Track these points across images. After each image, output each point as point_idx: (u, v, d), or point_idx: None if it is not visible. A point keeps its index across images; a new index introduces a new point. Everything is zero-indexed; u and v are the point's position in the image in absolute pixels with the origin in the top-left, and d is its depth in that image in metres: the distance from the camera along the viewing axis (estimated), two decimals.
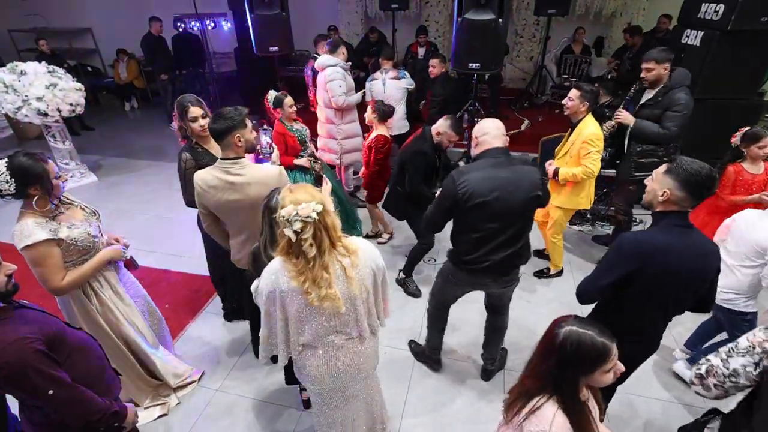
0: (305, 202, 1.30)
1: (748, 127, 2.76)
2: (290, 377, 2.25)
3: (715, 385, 1.26)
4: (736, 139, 2.74)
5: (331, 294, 1.37)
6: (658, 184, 1.51)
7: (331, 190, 2.26)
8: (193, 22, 6.57)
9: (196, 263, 3.25)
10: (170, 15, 6.79)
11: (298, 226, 1.28)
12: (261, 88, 6.00)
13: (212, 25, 6.76)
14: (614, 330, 1.73)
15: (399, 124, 4.18)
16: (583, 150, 2.76)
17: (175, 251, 3.66)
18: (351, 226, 3.61)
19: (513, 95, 6.83)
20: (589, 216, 4.14)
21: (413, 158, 2.87)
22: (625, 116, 2.97)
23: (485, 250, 1.98)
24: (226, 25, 6.89)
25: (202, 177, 1.96)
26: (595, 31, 7.06)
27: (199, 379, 2.52)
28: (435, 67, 4.25)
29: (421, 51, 5.67)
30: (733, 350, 1.25)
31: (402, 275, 3.26)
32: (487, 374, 2.54)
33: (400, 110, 4.17)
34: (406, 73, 4.26)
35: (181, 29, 6.70)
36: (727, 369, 1.23)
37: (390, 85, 4.10)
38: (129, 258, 2.13)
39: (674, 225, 1.50)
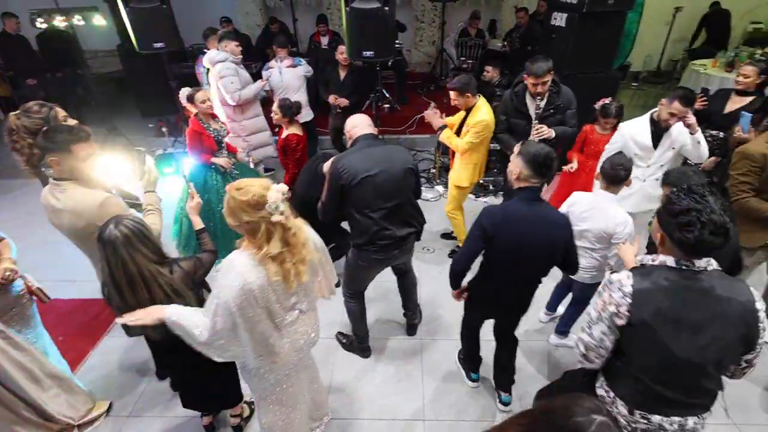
0: (264, 188, 1.37)
1: (609, 99, 3.26)
2: (186, 400, 2.12)
3: (596, 357, 1.38)
4: (598, 105, 3.24)
5: (304, 270, 1.49)
6: (513, 164, 1.77)
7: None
8: (57, 17, 5.87)
9: (93, 287, 3.02)
10: (26, 10, 6.00)
11: (283, 207, 1.37)
12: (152, 88, 5.64)
13: (81, 20, 6.09)
14: (478, 296, 2.06)
15: (302, 112, 4.19)
16: (471, 133, 3.00)
17: (66, 277, 3.36)
18: None
19: (419, 79, 7.15)
20: (491, 187, 4.54)
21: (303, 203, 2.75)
22: (547, 131, 2.85)
23: (383, 225, 2.16)
24: (99, 20, 6.24)
25: (43, 194, 1.89)
26: (488, 15, 7.60)
27: (108, 411, 2.39)
28: (344, 53, 4.23)
29: (324, 40, 5.69)
30: (590, 322, 1.38)
31: None
32: (412, 329, 2.86)
33: (302, 98, 4.19)
34: (302, 60, 4.27)
35: (43, 26, 5.95)
36: (594, 339, 1.35)
37: (287, 74, 4.10)
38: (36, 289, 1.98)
39: (526, 199, 1.76)
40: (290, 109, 3.24)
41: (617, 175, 2.14)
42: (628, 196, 2.66)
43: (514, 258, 1.81)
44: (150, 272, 1.58)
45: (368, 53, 3.55)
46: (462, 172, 3.19)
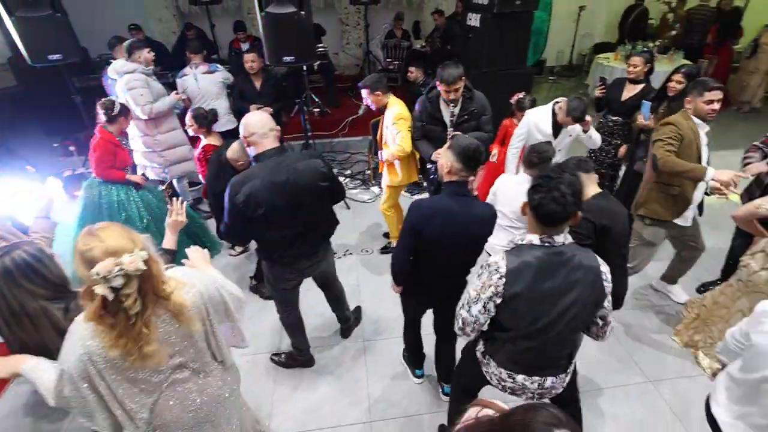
0: (125, 251, 1.10)
1: (523, 93, 3.49)
2: None
3: (471, 331, 1.55)
4: (513, 99, 3.46)
5: (152, 351, 1.20)
6: (444, 158, 1.81)
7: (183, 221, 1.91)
8: None
9: None
10: None
11: (119, 282, 1.08)
12: (55, 104, 5.15)
13: None
14: (412, 289, 2.09)
15: (223, 120, 4.04)
16: (393, 131, 3.10)
17: None
18: (211, 249, 3.37)
19: (349, 82, 7.18)
20: (425, 184, 4.68)
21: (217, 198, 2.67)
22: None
23: (291, 243, 2.12)
24: None
25: None
26: (412, 16, 7.83)
27: None
28: (254, 61, 4.06)
29: (245, 46, 5.55)
30: (469, 302, 1.51)
31: (253, 282, 3.25)
32: (346, 332, 2.86)
33: (223, 105, 4.06)
34: (219, 66, 4.13)
35: None
36: (471, 316, 1.51)
37: (203, 80, 3.95)
38: None
39: (455, 193, 1.80)
40: (206, 119, 3.10)
41: (531, 160, 2.36)
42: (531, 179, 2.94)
43: (442, 251, 1.87)
44: (36, 309, 1.45)
45: (289, 58, 3.52)
46: (394, 171, 3.26)
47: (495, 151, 3.57)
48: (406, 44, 6.61)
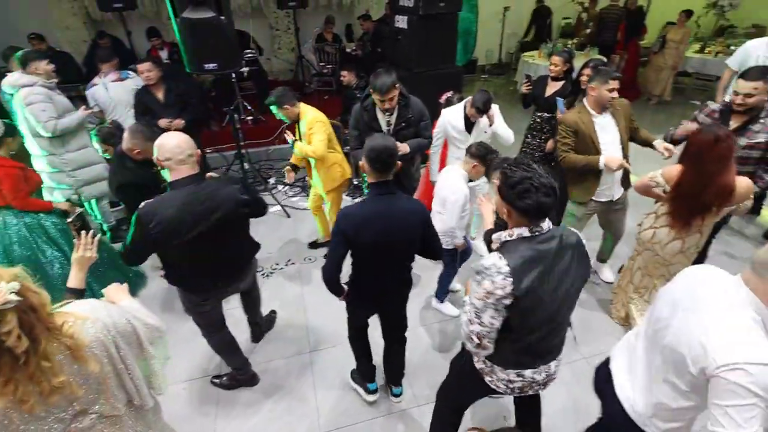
0: None
1: (451, 92, 3.60)
2: None
3: (489, 342, 1.45)
4: (442, 99, 3.56)
5: (60, 383, 1.09)
6: (362, 161, 1.82)
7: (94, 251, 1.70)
8: None
9: None
10: None
11: None
12: None
13: None
14: (355, 296, 2.07)
15: None
16: (311, 134, 3.06)
17: None
18: (132, 282, 3.15)
19: None
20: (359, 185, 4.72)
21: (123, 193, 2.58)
22: (402, 147, 2.76)
23: (209, 272, 2.05)
24: None
25: None
26: (343, 19, 7.86)
27: None
28: (151, 71, 3.58)
29: (164, 54, 5.27)
30: (477, 312, 1.42)
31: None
32: (258, 336, 2.84)
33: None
34: (131, 72, 3.88)
35: None
36: (486, 326, 1.42)
37: (114, 89, 3.71)
38: None
39: (380, 194, 1.81)
40: (113, 136, 2.86)
41: (478, 153, 2.49)
42: (449, 174, 3.09)
43: (379, 253, 1.87)
44: None
45: (211, 65, 3.39)
46: (326, 175, 3.24)
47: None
48: (338, 48, 6.62)
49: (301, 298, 3.25)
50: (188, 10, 3.21)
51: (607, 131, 2.71)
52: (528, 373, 1.56)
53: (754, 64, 3.59)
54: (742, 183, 2.10)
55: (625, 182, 2.91)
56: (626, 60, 7.36)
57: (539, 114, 3.82)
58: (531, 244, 1.38)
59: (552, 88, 3.75)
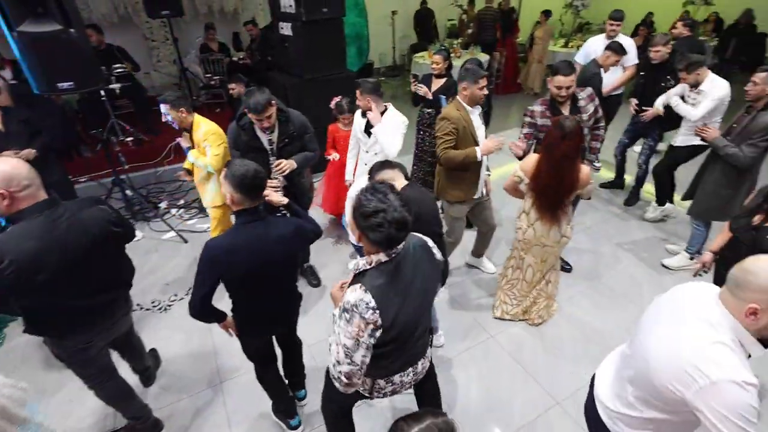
0: None
1: (340, 97, 3.65)
2: None
3: (359, 379, 1.44)
4: (333, 104, 3.60)
5: None
6: (225, 188, 1.71)
7: None
8: None
9: None
10: None
11: None
12: None
13: None
14: (245, 328, 1.97)
15: None
16: (207, 148, 2.95)
17: None
18: None
19: None
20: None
21: None
22: (288, 165, 2.71)
23: (83, 307, 1.85)
24: None
25: None
26: (229, 28, 7.57)
27: None
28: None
29: (7, 74, 4.60)
30: (347, 353, 1.37)
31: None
32: (148, 380, 2.63)
33: None
34: None
35: None
36: (357, 365, 1.38)
37: None
38: None
39: (248, 222, 1.72)
40: None
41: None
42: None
43: (256, 283, 1.80)
44: None
45: (66, 84, 3.03)
46: (218, 189, 3.10)
47: (333, 153, 3.69)
48: (225, 58, 6.36)
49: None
50: (27, 23, 2.84)
51: (479, 128, 2.90)
52: (396, 378, 1.61)
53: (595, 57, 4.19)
54: (584, 170, 2.41)
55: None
56: (506, 57, 8.13)
57: (428, 110, 4.05)
58: (389, 268, 1.38)
59: (436, 85, 3.99)
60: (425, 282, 1.49)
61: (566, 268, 3.53)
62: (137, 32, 7.00)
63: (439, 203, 3.04)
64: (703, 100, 3.29)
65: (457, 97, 2.84)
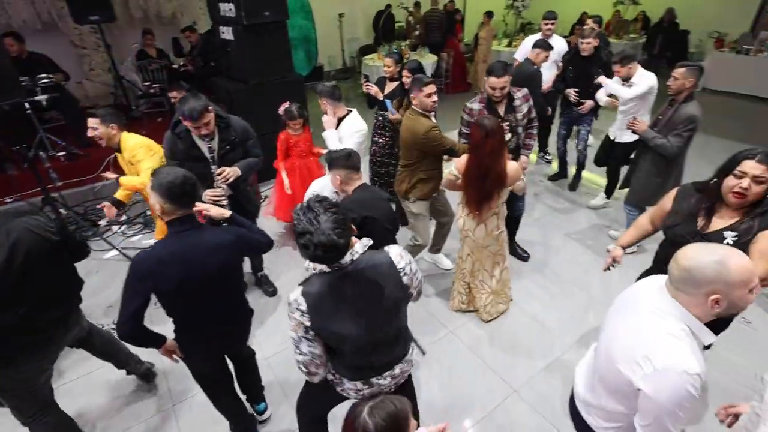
0: None
1: (288, 102, 3.57)
2: None
3: (315, 368, 1.51)
4: (281, 110, 3.53)
5: None
6: (153, 199, 1.62)
7: None
8: None
9: None
10: None
11: None
12: None
13: None
14: (189, 347, 1.90)
15: None
16: (135, 161, 2.80)
17: None
18: None
19: None
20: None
21: None
22: (231, 172, 2.61)
23: (26, 329, 1.76)
24: None
25: None
26: (167, 33, 7.26)
27: None
28: None
29: None
30: (295, 343, 1.47)
31: None
32: (147, 378, 2.63)
33: None
34: None
35: None
36: (307, 356, 1.47)
37: None
38: None
39: (180, 231, 1.66)
40: None
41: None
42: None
43: (195, 297, 1.72)
44: None
45: None
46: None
47: (283, 173, 3.63)
48: (164, 64, 6.10)
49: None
50: None
51: None
52: (373, 380, 1.62)
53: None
54: (512, 167, 2.53)
55: None
56: (453, 57, 8.34)
57: (381, 113, 4.08)
58: (328, 278, 1.41)
59: (388, 88, 4.03)
60: (380, 301, 1.46)
61: (524, 256, 3.69)
62: (65, 39, 6.55)
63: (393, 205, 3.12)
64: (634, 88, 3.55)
65: (413, 102, 2.84)
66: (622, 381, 1.25)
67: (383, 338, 1.54)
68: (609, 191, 4.30)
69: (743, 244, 1.72)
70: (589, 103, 4.02)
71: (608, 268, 2.16)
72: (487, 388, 2.59)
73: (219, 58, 5.13)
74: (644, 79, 3.51)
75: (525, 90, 3.12)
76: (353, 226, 2.04)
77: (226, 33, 4.53)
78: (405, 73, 3.55)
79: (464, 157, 2.56)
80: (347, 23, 9.15)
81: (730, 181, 1.75)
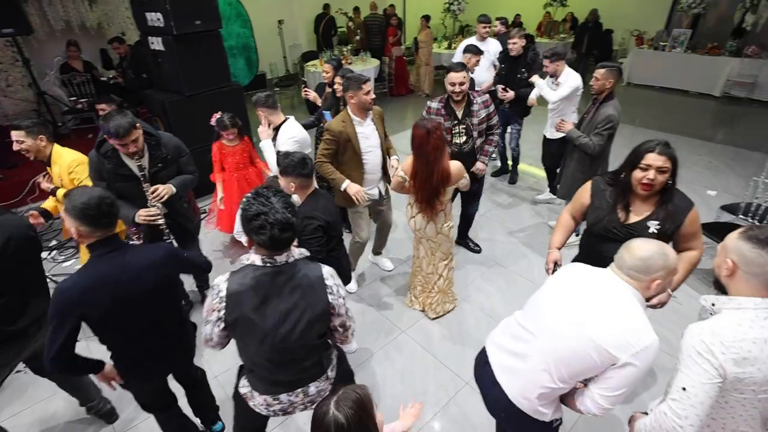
0: None
1: (219, 113, 3.45)
2: None
3: (213, 345, 1.52)
4: (213, 122, 3.44)
5: None
6: (68, 223, 1.55)
7: None
8: None
9: None
10: None
11: None
12: None
13: None
14: (131, 374, 1.81)
15: None
16: (75, 180, 2.67)
17: None
18: None
19: None
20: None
21: None
22: (165, 189, 2.53)
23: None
24: None
25: None
26: (94, 44, 6.89)
27: None
28: None
29: None
30: (204, 320, 1.48)
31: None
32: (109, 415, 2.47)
33: None
34: None
35: None
36: (207, 334, 1.48)
37: None
38: None
39: (103, 254, 1.58)
40: None
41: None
42: None
43: (129, 319, 1.65)
44: None
45: None
46: None
47: (219, 188, 3.57)
48: (90, 77, 5.79)
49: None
50: None
51: (369, 138, 2.96)
52: (284, 396, 1.59)
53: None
54: (455, 164, 2.63)
55: (387, 180, 3.26)
56: (396, 60, 8.49)
57: (317, 120, 4.09)
58: (258, 273, 1.42)
59: (329, 95, 4.05)
60: (300, 310, 1.45)
61: (476, 250, 3.85)
62: None
63: None
64: (560, 87, 3.79)
65: (350, 102, 2.86)
66: (601, 360, 1.34)
67: (291, 352, 1.50)
68: (551, 187, 4.54)
69: (664, 232, 1.90)
70: (510, 94, 4.21)
71: (553, 271, 2.19)
72: (440, 383, 2.67)
73: (150, 70, 4.93)
74: (569, 80, 3.75)
75: (486, 96, 3.20)
76: (317, 236, 2.07)
77: (156, 43, 4.37)
78: (337, 80, 3.52)
79: (409, 159, 2.64)
80: (287, 30, 9.08)
81: (637, 174, 1.89)
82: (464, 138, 3.18)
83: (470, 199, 3.58)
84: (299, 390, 1.60)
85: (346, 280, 2.41)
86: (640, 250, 1.38)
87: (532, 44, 4.47)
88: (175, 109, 4.41)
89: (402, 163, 2.72)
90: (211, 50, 4.52)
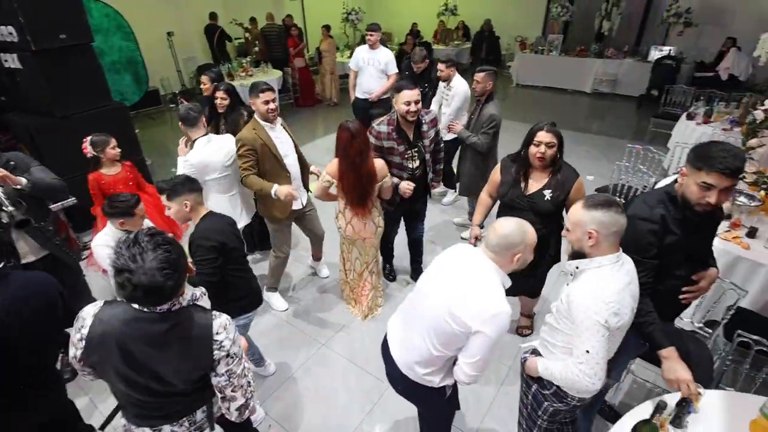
0: None
1: (90, 136, 3.05)
2: None
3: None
4: (87, 150, 3.05)
5: None
6: None
7: None
8: None
9: None
10: None
11: None
12: None
13: None
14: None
15: None
16: None
17: None
18: None
19: None
20: None
21: None
22: (15, 180, 2.31)
23: None
24: None
25: None
26: None
27: None
28: None
29: None
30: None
31: None
32: None
33: None
34: None
35: None
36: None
37: None
38: None
39: None
40: None
41: None
42: None
43: (12, 353, 1.47)
44: None
45: None
46: None
47: (98, 220, 3.15)
48: None
49: None
50: None
51: (284, 143, 2.88)
52: (166, 428, 1.44)
53: (363, 65, 4.72)
54: (378, 162, 2.71)
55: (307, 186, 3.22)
56: (299, 70, 8.41)
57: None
58: (129, 317, 1.26)
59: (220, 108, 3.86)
60: (170, 367, 1.30)
61: (390, 278, 3.76)
62: None
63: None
64: (454, 95, 3.99)
65: (254, 115, 2.80)
66: (459, 329, 1.49)
67: (168, 397, 1.37)
68: (453, 187, 4.78)
69: (557, 199, 2.30)
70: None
71: (474, 244, 2.40)
72: (363, 390, 2.67)
73: (8, 91, 4.30)
74: (459, 88, 3.96)
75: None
76: (209, 257, 1.94)
77: (11, 61, 3.83)
78: (219, 94, 3.36)
79: (334, 163, 2.64)
80: (179, 42, 8.53)
81: (532, 150, 2.30)
82: (417, 162, 2.94)
83: (414, 222, 3.38)
84: (183, 420, 1.45)
85: (258, 300, 2.32)
86: (501, 228, 1.54)
87: (432, 65, 4.59)
88: (44, 134, 3.91)
89: (327, 167, 2.71)
90: (84, 66, 4.08)
